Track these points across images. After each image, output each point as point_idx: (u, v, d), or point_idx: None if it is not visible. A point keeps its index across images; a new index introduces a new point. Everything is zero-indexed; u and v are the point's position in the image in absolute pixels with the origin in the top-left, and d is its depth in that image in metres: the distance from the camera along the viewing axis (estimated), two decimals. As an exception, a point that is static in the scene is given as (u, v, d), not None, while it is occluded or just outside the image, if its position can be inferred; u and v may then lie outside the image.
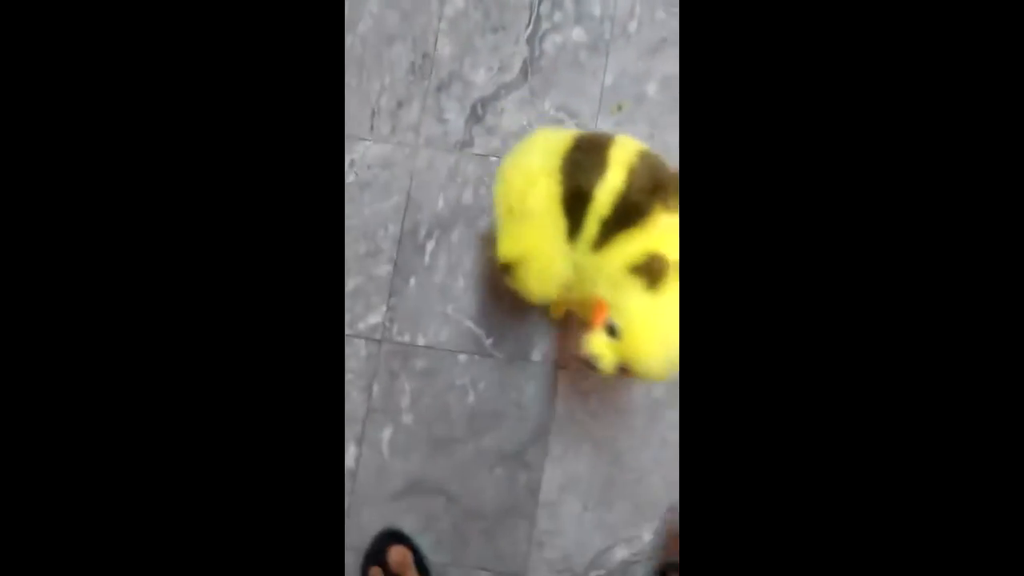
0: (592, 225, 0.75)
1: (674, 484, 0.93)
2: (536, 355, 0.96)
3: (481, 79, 0.99)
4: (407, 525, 0.95)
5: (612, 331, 0.72)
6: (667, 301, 0.72)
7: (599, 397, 0.95)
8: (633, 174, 0.74)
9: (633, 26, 0.99)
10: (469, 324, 0.96)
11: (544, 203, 0.76)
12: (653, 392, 0.95)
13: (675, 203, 0.75)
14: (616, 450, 0.95)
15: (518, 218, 0.78)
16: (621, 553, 0.93)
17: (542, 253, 0.78)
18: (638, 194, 0.73)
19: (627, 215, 0.74)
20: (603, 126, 0.97)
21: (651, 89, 0.98)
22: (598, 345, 0.73)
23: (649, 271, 0.71)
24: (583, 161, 0.75)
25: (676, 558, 0.89)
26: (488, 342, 0.96)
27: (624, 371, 0.74)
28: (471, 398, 0.96)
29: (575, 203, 0.75)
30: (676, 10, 0.99)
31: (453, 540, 0.95)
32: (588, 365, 0.74)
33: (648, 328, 0.72)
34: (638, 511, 0.94)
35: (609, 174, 0.74)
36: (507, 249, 0.80)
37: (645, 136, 0.97)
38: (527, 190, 0.77)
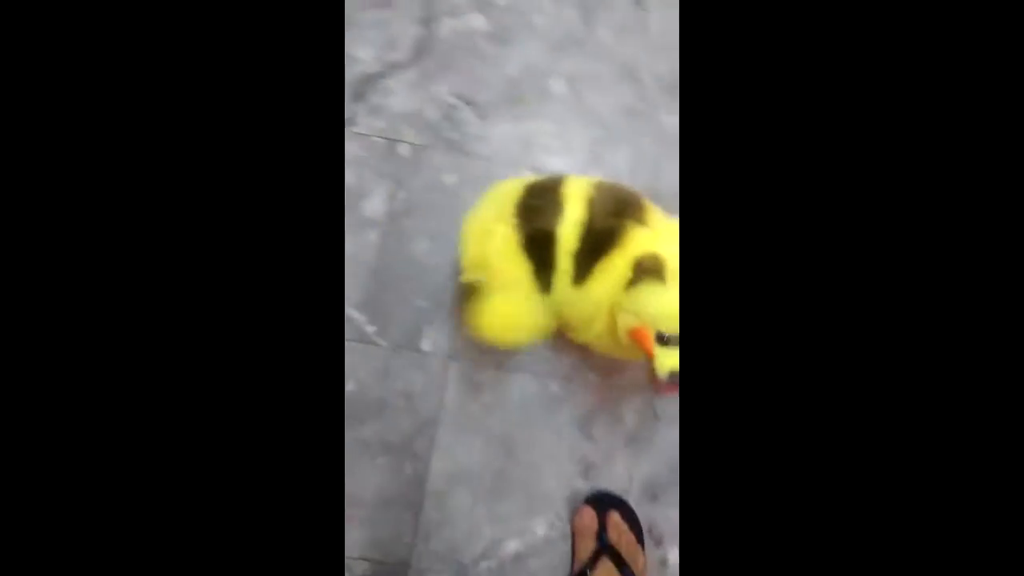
0: (564, 261, 0.74)
1: (568, 479, 0.89)
2: (426, 345, 0.90)
3: (364, 55, 0.95)
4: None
5: (666, 340, 0.69)
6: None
7: (493, 390, 0.90)
8: (593, 203, 0.73)
9: (539, 20, 0.99)
10: (350, 310, 0.90)
11: (503, 250, 0.75)
12: (549, 387, 0.91)
13: (646, 216, 0.74)
14: (509, 443, 0.89)
15: (481, 272, 0.77)
16: (513, 545, 0.87)
17: (510, 310, 0.78)
18: (605, 219, 0.73)
19: (600, 243, 0.73)
20: (503, 117, 0.95)
21: (556, 86, 0.98)
22: (668, 361, 0.69)
23: (647, 271, 0.69)
24: (538, 204, 0.75)
25: (587, 561, 0.86)
26: (371, 330, 0.90)
27: None
28: (351, 386, 0.88)
29: (538, 246, 0.74)
30: (583, 9, 1.00)
31: (328, 531, 0.86)
32: (677, 385, 0.69)
33: None
34: (531, 504, 0.88)
35: (568, 210, 0.73)
36: (485, 324, 0.81)
37: (551, 134, 0.96)
38: (484, 241, 0.76)
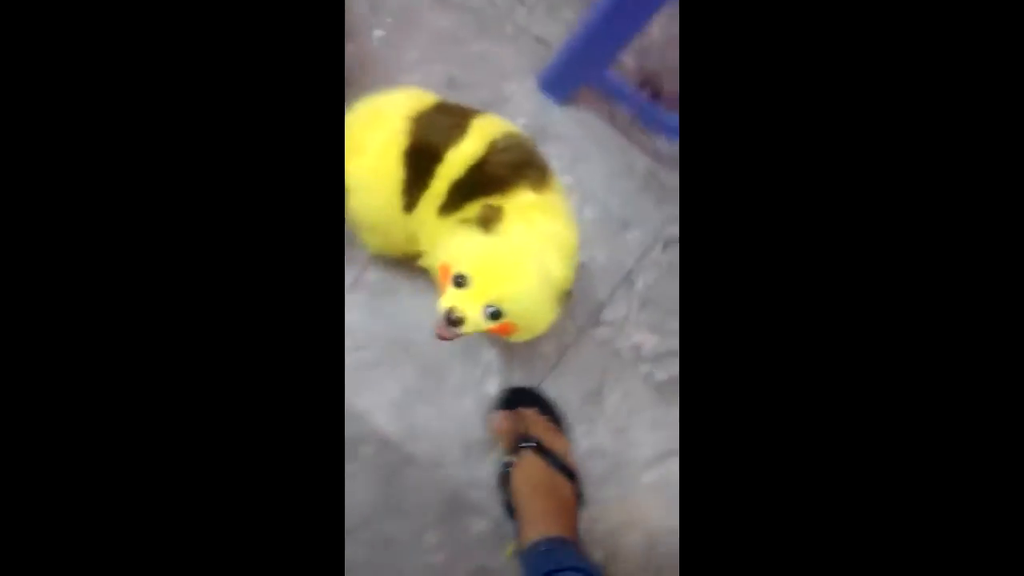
0: (440, 184, 0.71)
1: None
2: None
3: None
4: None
5: (460, 281, 0.66)
6: (506, 238, 0.67)
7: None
8: (495, 148, 0.71)
9: None
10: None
11: (384, 147, 0.72)
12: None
13: (545, 185, 0.71)
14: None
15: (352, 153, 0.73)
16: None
17: (374, 197, 0.75)
18: (500, 167, 0.70)
19: (485, 184, 0.70)
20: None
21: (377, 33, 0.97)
22: (451, 299, 0.66)
23: (482, 219, 0.67)
24: (440, 122, 0.72)
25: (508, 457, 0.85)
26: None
27: (495, 316, 0.67)
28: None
29: (419, 159, 0.71)
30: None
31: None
32: (451, 324, 0.66)
33: (497, 264, 0.66)
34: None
35: (467, 140, 0.71)
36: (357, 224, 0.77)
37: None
38: (370, 127, 0.73)
